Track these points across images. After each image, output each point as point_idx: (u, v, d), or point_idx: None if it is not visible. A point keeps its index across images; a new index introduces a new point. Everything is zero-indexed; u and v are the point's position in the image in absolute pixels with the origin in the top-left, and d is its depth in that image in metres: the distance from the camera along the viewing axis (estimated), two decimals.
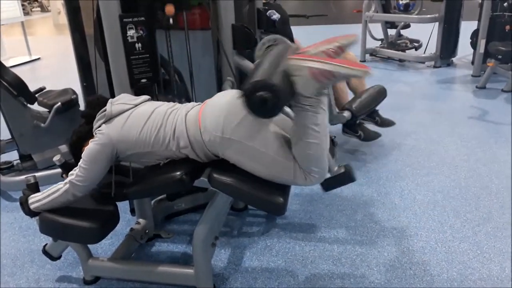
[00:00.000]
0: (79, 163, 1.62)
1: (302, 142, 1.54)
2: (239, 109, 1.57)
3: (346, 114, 2.87)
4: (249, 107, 1.44)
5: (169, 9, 2.07)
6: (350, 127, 3.12)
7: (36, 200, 1.67)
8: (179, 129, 1.63)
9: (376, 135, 3.11)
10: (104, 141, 1.62)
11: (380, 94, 3.09)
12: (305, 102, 1.50)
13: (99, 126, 1.66)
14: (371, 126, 3.13)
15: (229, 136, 1.55)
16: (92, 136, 1.67)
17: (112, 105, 1.68)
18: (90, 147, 1.63)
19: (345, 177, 1.90)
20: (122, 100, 1.73)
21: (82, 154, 1.63)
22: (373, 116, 3.15)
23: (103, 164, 1.64)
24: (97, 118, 1.69)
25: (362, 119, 3.11)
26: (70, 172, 1.64)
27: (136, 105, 1.71)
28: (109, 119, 1.66)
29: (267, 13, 2.72)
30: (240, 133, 1.55)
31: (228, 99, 1.65)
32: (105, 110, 1.67)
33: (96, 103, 1.75)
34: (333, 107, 3.06)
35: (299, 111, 1.53)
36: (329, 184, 1.90)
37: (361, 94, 3.03)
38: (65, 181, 1.64)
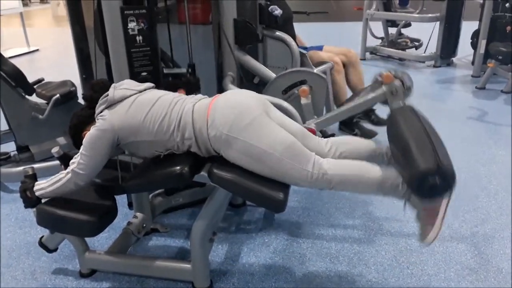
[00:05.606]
0: (80, 150, 1.59)
1: (346, 186, 1.61)
2: (251, 110, 1.55)
3: None
4: (419, 177, 1.43)
5: (182, 92, 2.06)
6: (347, 125, 3.12)
7: (40, 188, 1.65)
8: (185, 119, 1.60)
9: (372, 134, 3.11)
10: (106, 127, 1.59)
11: None
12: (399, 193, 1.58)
13: (101, 112, 1.63)
14: (367, 125, 3.13)
15: (235, 135, 1.53)
16: (93, 121, 1.64)
17: (115, 90, 1.65)
18: (92, 133, 1.60)
19: None
20: (126, 85, 1.70)
21: (83, 141, 1.60)
22: (369, 114, 3.15)
23: (104, 150, 1.61)
24: (99, 103, 1.66)
25: (358, 117, 3.12)
26: (71, 161, 1.61)
27: (140, 91, 1.68)
28: (111, 104, 1.63)
29: (269, 9, 2.71)
30: (247, 134, 1.53)
31: (242, 98, 1.64)
32: (107, 95, 1.64)
33: (100, 86, 1.72)
34: (332, 104, 3.06)
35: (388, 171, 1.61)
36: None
37: (359, 93, 3.03)
38: (67, 170, 1.61)
